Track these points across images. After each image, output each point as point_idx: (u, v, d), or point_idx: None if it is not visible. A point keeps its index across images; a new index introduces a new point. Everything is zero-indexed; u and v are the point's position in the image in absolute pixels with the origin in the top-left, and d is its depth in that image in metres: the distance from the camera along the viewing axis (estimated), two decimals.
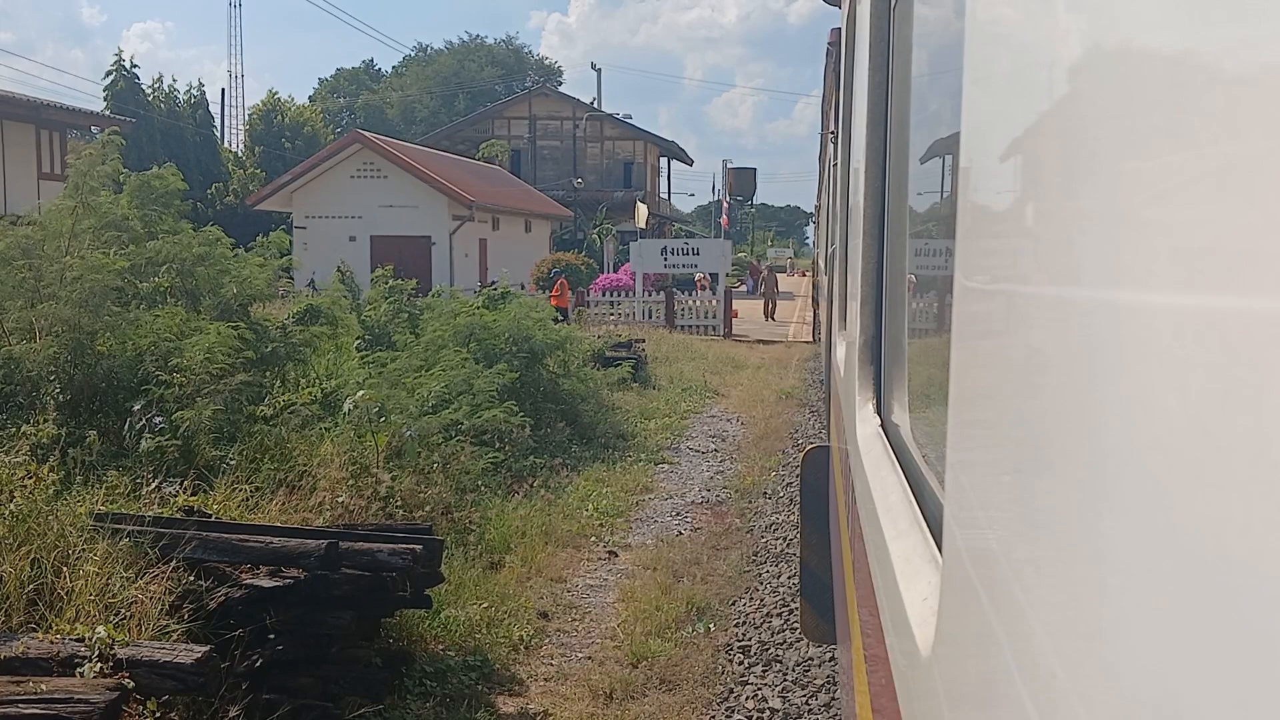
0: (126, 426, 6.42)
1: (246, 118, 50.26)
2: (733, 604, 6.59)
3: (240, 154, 45.74)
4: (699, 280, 28.47)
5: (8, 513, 4.49)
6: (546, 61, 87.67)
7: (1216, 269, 0.45)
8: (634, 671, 5.48)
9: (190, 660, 3.70)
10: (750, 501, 9.29)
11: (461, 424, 8.11)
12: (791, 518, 8.40)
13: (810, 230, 76.02)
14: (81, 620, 4.14)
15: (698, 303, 25.89)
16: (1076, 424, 0.61)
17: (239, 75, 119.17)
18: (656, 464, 10.63)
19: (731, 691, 5.36)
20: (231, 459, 6.40)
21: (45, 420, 6.02)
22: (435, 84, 75.53)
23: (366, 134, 34.55)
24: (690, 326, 24.53)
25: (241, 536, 4.77)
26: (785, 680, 5.49)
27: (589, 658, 5.70)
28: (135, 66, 38.19)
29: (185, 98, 40.43)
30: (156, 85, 39.53)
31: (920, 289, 2.01)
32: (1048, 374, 0.68)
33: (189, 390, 6.60)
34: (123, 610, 4.24)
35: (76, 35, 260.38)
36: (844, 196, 3.88)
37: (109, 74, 37.74)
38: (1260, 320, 0.41)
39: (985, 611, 0.80)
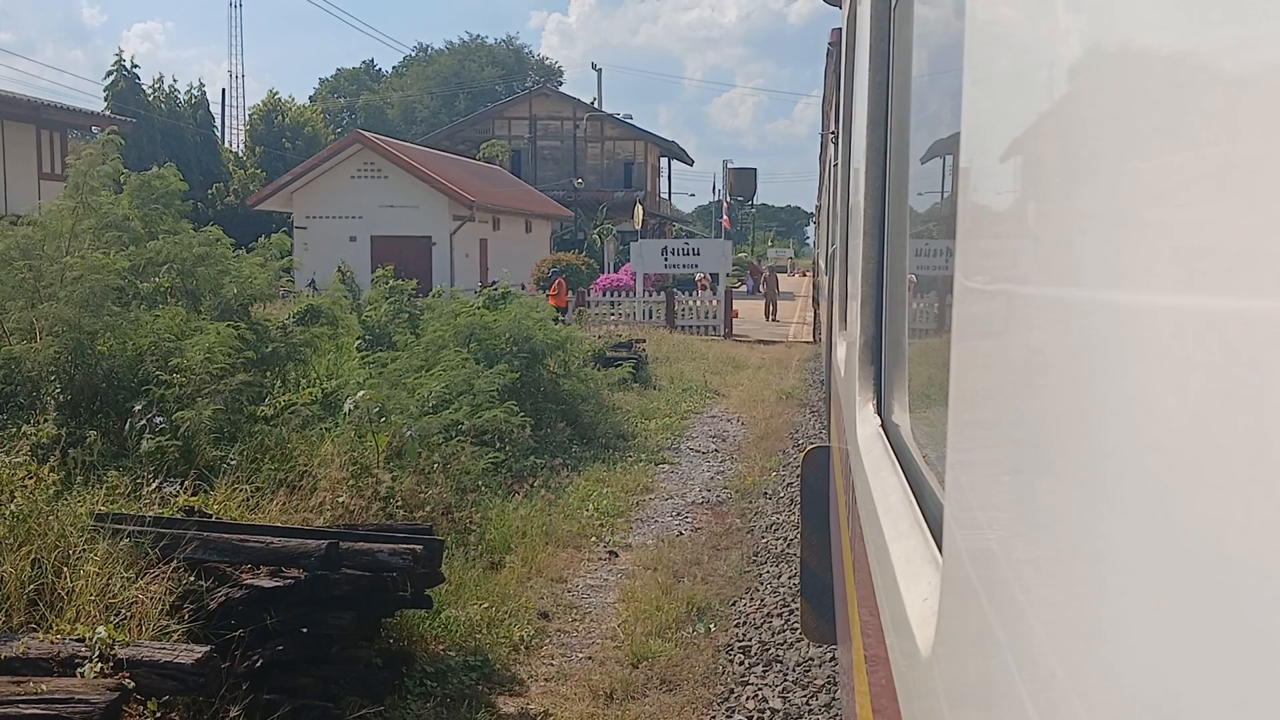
0: (127, 426, 6.42)
1: (247, 118, 50.35)
2: (733, 604, 6.59)
3: (241, 154, 45.75)
4: (699, 280, 28.47)
5: (8, 513, 4.49)
6: (547, 62, 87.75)
7: (1216, 269, 0.45)
8: (634, 672, 5.48)
9: (191, 660, 3.70)
10: (751, 502, 9.29)
11: (462, 424, 8.11)
12: (792, 518, 8.39)
13: (810, 230, 76.10)
14: (82, 620, 4.14)
15: (698, 303, 25.88)
16: (1077, 424, 0.61)
17: (239, 75, 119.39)
18: (657, 464, 10.63)
19: (732, 692, 5.36)
20: (232, 459, 6.40)
21: (45, 420, 6.02)
22: (435, 84, 75.53)
23: (367, 134, 34.55)
24: (691, 327, 24.53)
25: (242, 537, 4.77)
26: (786, 680, 5.49)
27: (589, 658, 5.70)
28: (136, 67, 38.27)
29: (186, 98, 40.46)
30: (157, 85, 39.56)
31: (920, 289, 2.01)
32: (1048, 374, 0.68)
33: (189, 390, 6.60)
34: (123, 610, 4.24)
35: (77, 35, 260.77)
36: (844, 197, 3.88)
37: (109, 74, 37.79)
38: (1260, 320, 0.41)
39: (985, 612, 0.80)
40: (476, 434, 8.26)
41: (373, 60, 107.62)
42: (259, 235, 10.12)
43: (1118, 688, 0.53)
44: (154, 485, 5.62)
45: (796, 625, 5.82)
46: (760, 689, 5.38)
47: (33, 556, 4.39)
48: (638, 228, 40.31)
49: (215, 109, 44.88)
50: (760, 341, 23.84)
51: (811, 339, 22.96)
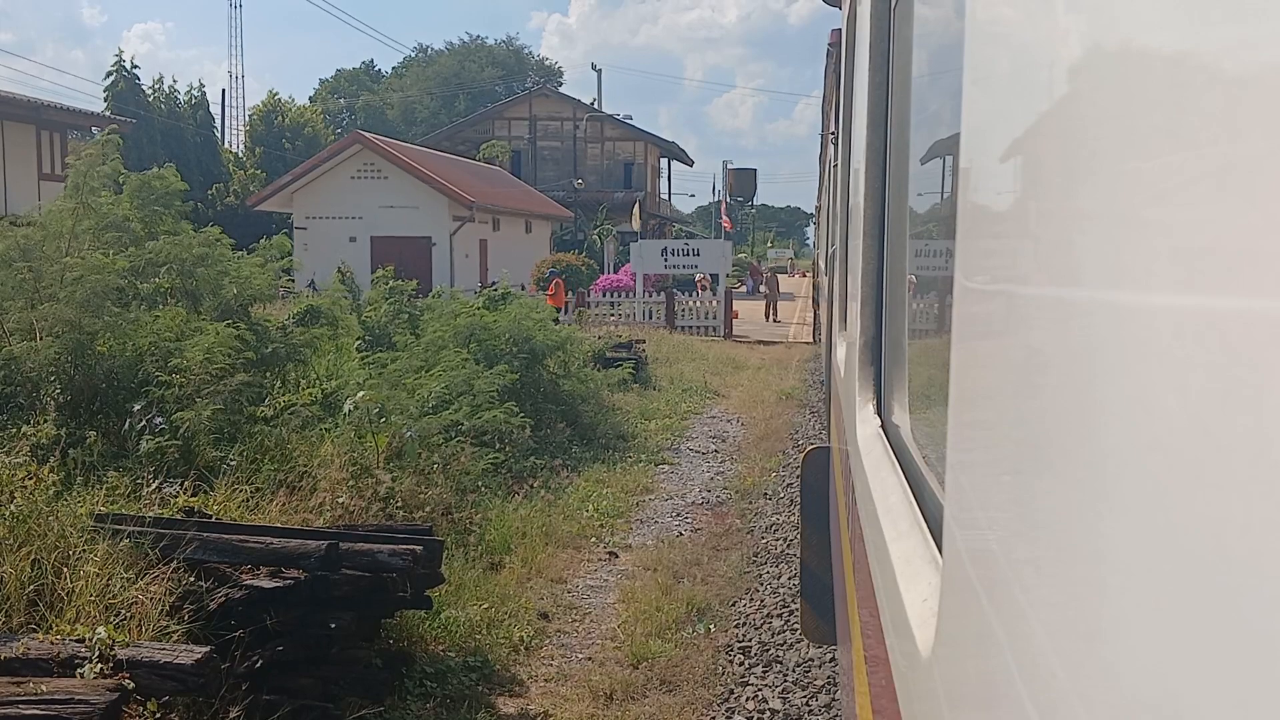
0: (127, 427, 6.42)
1: (247, 118, 50.33)
2: (733, 605, 6.59)
3: (241, 155, 45.75)
4: (699, 281, 28.47)
5: (8, 513, 4.49)
6: (547, 62, 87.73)
7: (1216, 269, 0.45)
8: (634, 672, 5.48)
9: (190, 661, 3.70)
10: (750, 502, 9.29)
11: (462, 425, 8.11)
12: (792, 518, 8.39)
13: (810, 231, 76.07)
14: (82, 621, 4.14)
15: (698, 303, 25.88)
16: (1077, 425, 0.61)
17: (239, 76, 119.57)
18: (657, 465, 10.64)
19: (732, 692, 5.36)
20: (232, 460, 6.40)
21: (45, 421, 6.02)
22: (435, 85, 75.53)
23: (367, 135, 34.54)
24: (691, 327, 24.53)
25: (242, 537, 4.77)
26: (785, 681, 5.49)
27: (589, 658, 5.70)
28: (136, 67, 38.30)
29: (186, 98, 40.47)
30: (157, 86, 39.58)
31: (920, 289, 2.01)
32: (1048, 374, 0.68)
33: (189, 391, 6.60)
34: (123, 611, 4.24)
35: (77, 35, 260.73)
36: (844, 197, 3.88)
37: (109, 74, 37.80)
38: (1260, 320, 0.41)
39: (985, 612, 0.80)
40: (476, 434, 8.26)
41: (372, 61, 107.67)
42: (259, 236, 10.13)
43: (1118, 688, 0.53)
44: (154, 486, 5.62)
45: (796, 626, 5.82)
46: (760, 690, 5.38)
47: (33, 557, 4.40)
48: (637, 228, 40.32)
49: (215, 109, 44.93)
50: (760, 342, 23.84)
51: (811, 339, 22.96)
